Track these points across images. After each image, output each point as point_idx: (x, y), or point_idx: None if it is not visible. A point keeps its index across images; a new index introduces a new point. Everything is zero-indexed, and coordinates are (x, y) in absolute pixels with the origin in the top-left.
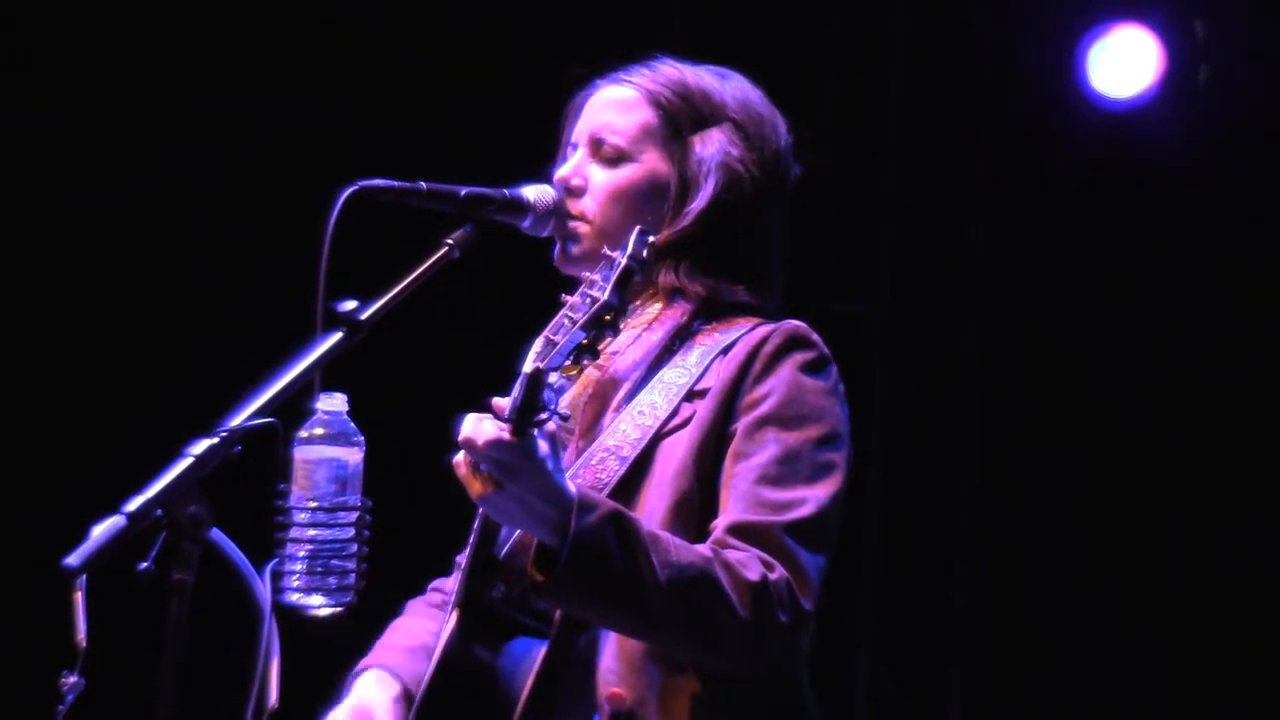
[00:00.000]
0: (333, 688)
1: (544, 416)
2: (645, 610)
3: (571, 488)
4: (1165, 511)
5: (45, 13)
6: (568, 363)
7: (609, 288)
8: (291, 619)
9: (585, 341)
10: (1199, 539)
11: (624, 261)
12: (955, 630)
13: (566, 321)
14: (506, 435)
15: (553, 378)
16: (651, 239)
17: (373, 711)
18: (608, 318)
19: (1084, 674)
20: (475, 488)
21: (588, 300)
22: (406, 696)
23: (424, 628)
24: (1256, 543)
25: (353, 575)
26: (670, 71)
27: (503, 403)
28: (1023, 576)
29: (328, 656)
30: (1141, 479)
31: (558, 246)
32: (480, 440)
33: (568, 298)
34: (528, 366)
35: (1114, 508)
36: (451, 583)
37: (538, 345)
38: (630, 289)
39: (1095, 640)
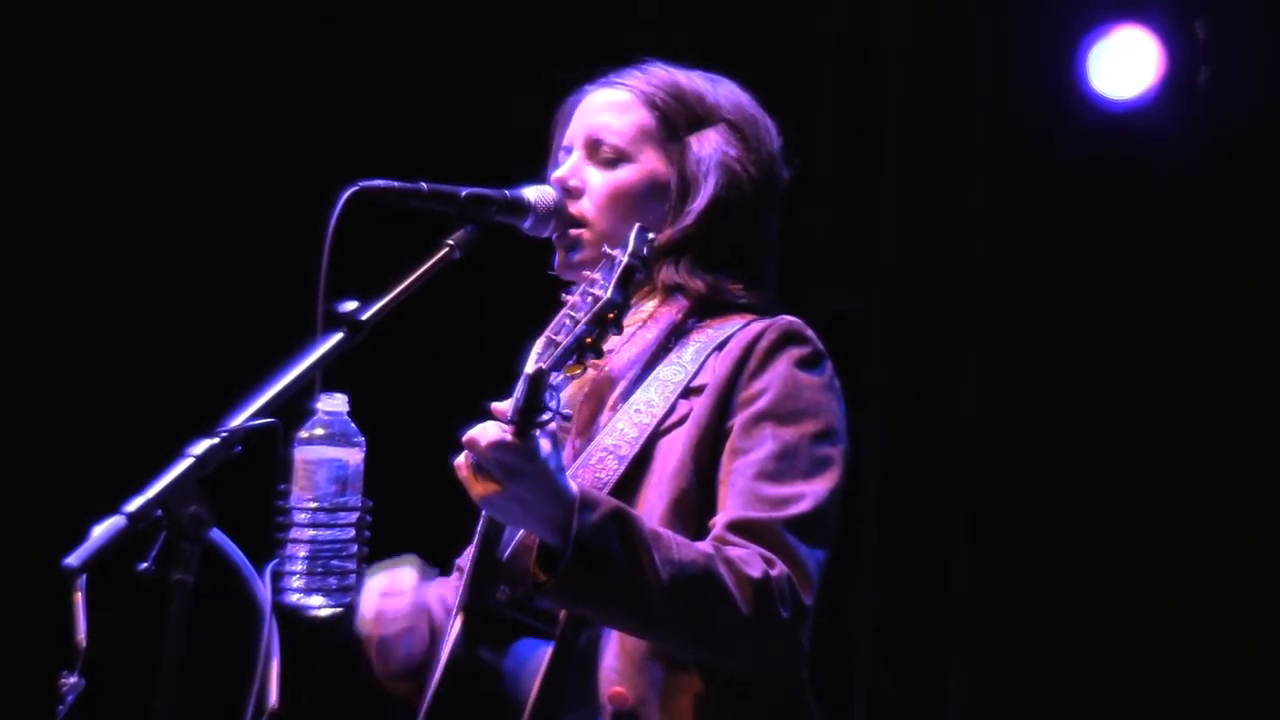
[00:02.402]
0: (332, 688)
1: (546, 417)
2: (647, 608)
3: (574, 486)
4: (1166, 511)
5: (45, 11)
6: (571, 362)
7: (611, 285)
8: (291, 619)
9: (589, 340)
10: (1199, 538)
11: (625, 259)
12: (954, 629)
13: (568, 321)
14: (509, 437)
15: (554, 378)
16: (652, 236)
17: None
18: (610, 315)
19: (1083, 673)
20: (477, 489)
21: (589, 299)
22: (430, 632)
23: (438, 594)
24: (1256, 541)
25: (353, 576)
26: (663, 74)
27: (504, 407)
28: (1022, 576)
29: (327, 657)
30: (1141, 478)
31: (559, 255)
32: (483, 441)
33: (568, 297)
34: (529, 367)
35: (1114, 507)
36: (452, 584)
37: (539, 346)
38: (632, 286)
39: (1095, 639)
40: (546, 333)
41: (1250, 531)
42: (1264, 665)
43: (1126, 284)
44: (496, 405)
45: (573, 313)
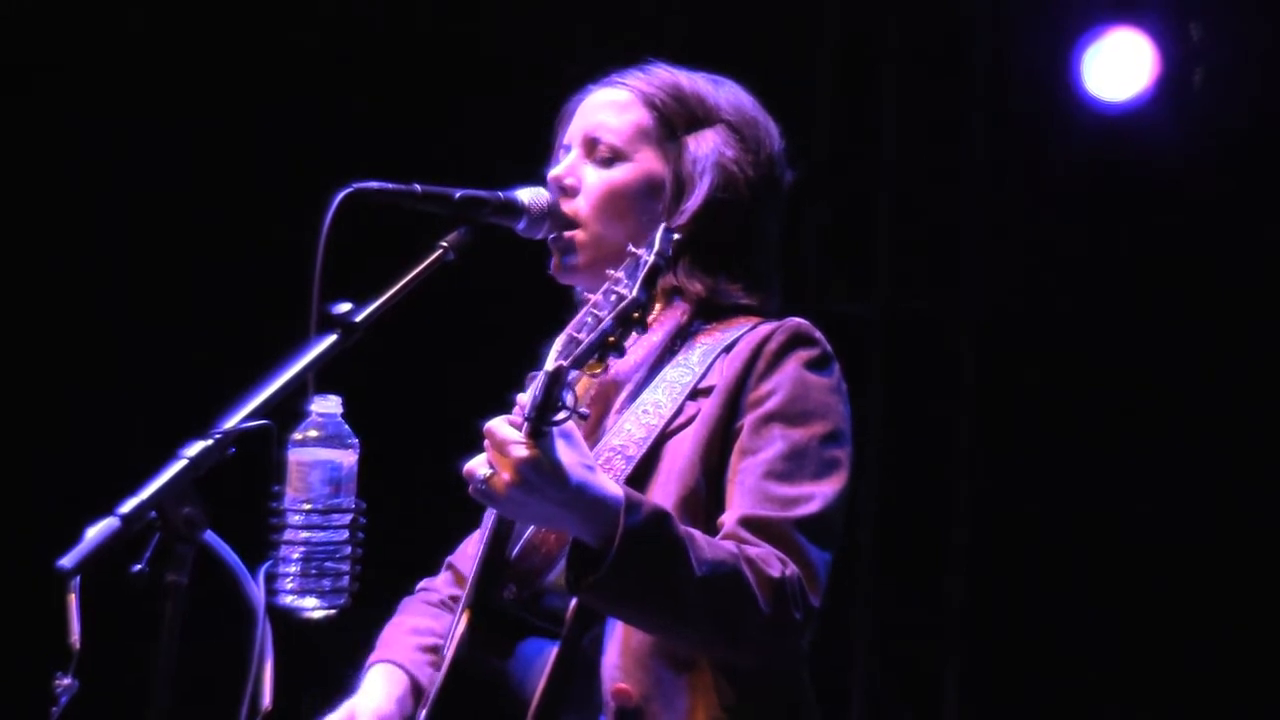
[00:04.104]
0: (326, 689)
1: (563, 415)
2: (680, 607)
3: (610, 486)
4: (1165, 512)
5: (47, 11)
6: (593, 360)
7: (637, 284)
8: (285, 621)
9: (612, 339)
10: (1199, 539)
11: (651, 258)
12: (951, 629)
13: (590, 319)
14: (525, 443)
15: (573, 375)
16: (677, 236)
17: (358, 713)
18: (635, 314)
19: (1081, 674)
20: (501, 504)
21: (613, 297)
22: (414, 690)
23: (423, 625)
24: (1255, 543)
25: (346, 577)
26: (664, 74)
27: (523, 399)
28: (1020, 576)
29: (321, 658)
30: (1141, 479)
31: (554, 258)
32: (502, 453)
33: (589, 295)
34: (549, 364)
35: (1113, 508)
36: (441, 582)
37: (559, 343)
38: (656, 286)
39: (1093, 640)
40: (568, 330)
41: (1250, 532)
42: (1264, 666)
43: (1124, 284)
44: (522, 396)
45: (596, 310)
